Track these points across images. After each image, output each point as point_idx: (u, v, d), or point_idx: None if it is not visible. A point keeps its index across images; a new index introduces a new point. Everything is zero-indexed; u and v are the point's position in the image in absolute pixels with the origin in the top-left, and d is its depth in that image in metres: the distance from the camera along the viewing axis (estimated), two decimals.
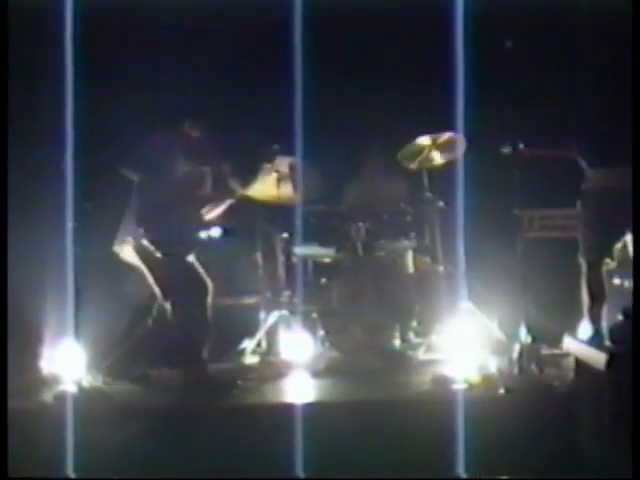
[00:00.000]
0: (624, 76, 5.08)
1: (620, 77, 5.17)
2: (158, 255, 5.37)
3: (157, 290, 5.42)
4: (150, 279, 5.43)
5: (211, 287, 5.46)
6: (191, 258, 5.48)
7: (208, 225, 5.69)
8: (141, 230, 5.38)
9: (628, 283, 5.71)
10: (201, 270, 5.48)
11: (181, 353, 5.40)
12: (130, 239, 5.44)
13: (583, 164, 5.46)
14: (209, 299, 5.42)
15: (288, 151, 5.81)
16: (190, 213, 5.50)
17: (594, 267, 5.45)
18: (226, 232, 5.89)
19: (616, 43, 5.26)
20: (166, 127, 5.57)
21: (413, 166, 6.40)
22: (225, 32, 6.48)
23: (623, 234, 5.36)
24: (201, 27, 6.37)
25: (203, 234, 5.67)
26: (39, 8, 5.29)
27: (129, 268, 5.60)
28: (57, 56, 5.05)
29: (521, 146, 5.46)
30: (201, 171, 5.58)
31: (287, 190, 6.27)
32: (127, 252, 5.48)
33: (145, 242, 5.38)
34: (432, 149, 6.32)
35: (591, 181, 5.46)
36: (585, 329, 5.39)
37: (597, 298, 5.45)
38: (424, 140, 6.30)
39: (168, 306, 5.38)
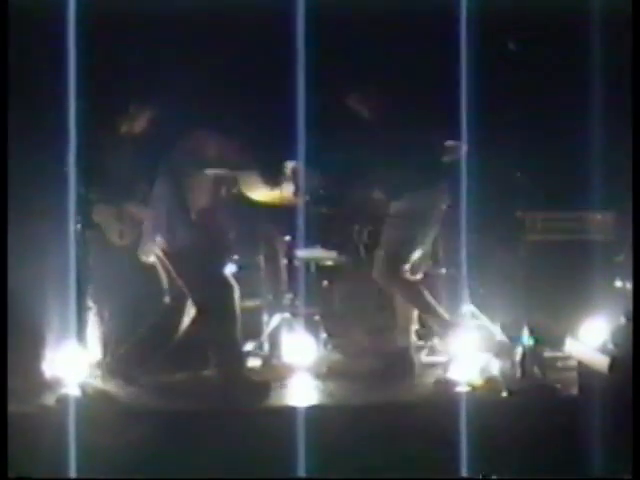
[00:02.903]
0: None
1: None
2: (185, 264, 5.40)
3: (188, 292, 5.44)
4: (179, 282, 5.44)
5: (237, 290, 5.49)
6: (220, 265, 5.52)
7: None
8: (163, 239, 5.42)
9: (630, 285, 5.70)
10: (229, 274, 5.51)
11: (217, 354, 5.44)
12: (155, 247, 5.47)
13: None
14: (237, 301, 5.45)
15: (290, 155, 5.81)
16: (215, 220, 5.53)
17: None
18: (240, 269, 5.96)
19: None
20: (169, 130, 5.57)
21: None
22: (227, 35, 6.48)
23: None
24: (204, 30, 6.37)
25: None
26: (39, 8, 5.29)
27: (147, 269, 5.62)
28: (59, 57, 5.05)
29: None
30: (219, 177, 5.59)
31: (290, 191, 6.26)
32: (153, 258, 5.51)
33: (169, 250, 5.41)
34: (434, 151, 6.30)
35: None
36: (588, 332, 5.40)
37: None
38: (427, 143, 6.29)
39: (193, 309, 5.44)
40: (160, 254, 5.46)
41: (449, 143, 5.80)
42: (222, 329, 5.39)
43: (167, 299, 5.56)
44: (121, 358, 5.50)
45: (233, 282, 5.48)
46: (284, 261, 6.34)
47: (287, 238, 6.34)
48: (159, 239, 5.42)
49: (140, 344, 5.52)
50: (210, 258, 5.43)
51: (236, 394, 5.21)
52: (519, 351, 5.31)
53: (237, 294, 5.45)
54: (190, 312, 5.51)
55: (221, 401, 5.16)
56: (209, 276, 5.41)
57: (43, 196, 5.59)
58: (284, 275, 6.34)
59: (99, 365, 5.53)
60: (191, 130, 5.50)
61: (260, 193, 5.92)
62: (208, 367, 5.54)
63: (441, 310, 5.88)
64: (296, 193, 6.12)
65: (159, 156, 5.54)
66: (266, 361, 6.05)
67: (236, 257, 5.98)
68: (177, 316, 5.52)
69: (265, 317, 6.24)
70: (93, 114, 5.36)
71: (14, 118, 5.00)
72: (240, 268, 5.94)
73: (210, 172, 5.43)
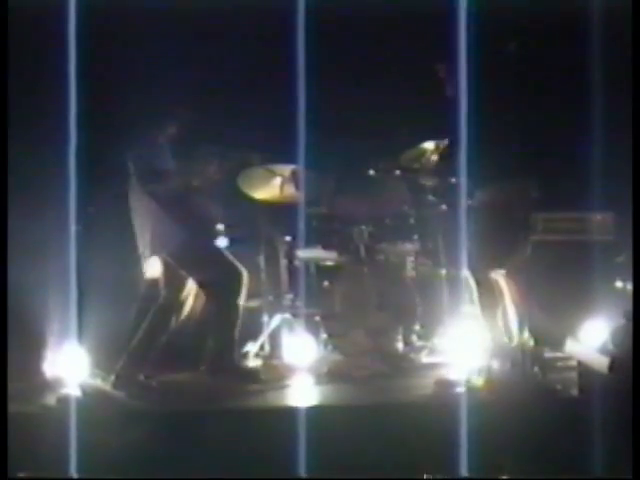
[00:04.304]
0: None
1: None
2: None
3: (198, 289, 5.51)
4: (188, 278, 5.51)
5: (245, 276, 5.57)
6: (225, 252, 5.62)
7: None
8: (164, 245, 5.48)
9: (630, 286, 5.70)
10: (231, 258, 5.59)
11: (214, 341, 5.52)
12: (155, 256, 5.53)
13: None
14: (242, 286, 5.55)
15: (290, 157, 5.82)
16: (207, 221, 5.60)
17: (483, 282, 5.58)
18: (232, 241, 5.97)
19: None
20: (169, 131, 5.57)
21: (416, 168, 6.40)
22: (227, 36, 6.48)
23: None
24: (204, 30, 6.37)
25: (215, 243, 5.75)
26: (40, 7, 5.30)
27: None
28: (60, 57, 5.05)
29: None
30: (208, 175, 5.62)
31: (290, 192, 6.27)
32: (156, 267, 5.56)
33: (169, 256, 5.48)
34: (435, 153, 6.31)
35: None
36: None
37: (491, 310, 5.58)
38: (428, 144, 6.30)
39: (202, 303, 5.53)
40: (167, 259, 5.50)
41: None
42: (224, 308, 5.47)
43: (161, 299, 5.59)
44: (128, 363, 5.51)
45: (241, 267, 5.56)
46: (284, 261, 6.34)
47: (288, 238, 6.34)
48: (163, 247, 5.48)
49: (138, 346, 5.54)
50: (209, 242, 5.56)
51: (227, 379, 5.31)
52: (519, 352, 5.32)
53: (245, 278, 5.54)
54: (184, 310, 5.57)
55: (212, 388, 5.20)
56: (212, 255, 5.53)
57: (43, 197, 5.60)
58: (284, 276, 6.35)
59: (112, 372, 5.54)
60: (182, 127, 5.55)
61: (260, 189, 5.95)
62: (202, 359, 5.59)
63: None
64: (297, 190, 6.15)
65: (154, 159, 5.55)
66: (266, 361, 6.05)
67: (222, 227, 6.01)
68: (170, 314, 5.57)
69: (265, 317, 6.24)
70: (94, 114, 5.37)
71: (14, 118, 5.01)
72: (232, 241, 5.97)
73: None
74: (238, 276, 5.55)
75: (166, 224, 5.47)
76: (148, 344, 5.52)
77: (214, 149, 5.68)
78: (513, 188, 5.62)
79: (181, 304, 5.60)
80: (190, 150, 5.63)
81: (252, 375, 5.56)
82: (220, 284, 5.49)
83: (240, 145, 5.91)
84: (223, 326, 5.55)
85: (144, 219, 5.54)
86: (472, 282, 5.69)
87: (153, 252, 5.55)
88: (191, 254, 5.50)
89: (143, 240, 5.60)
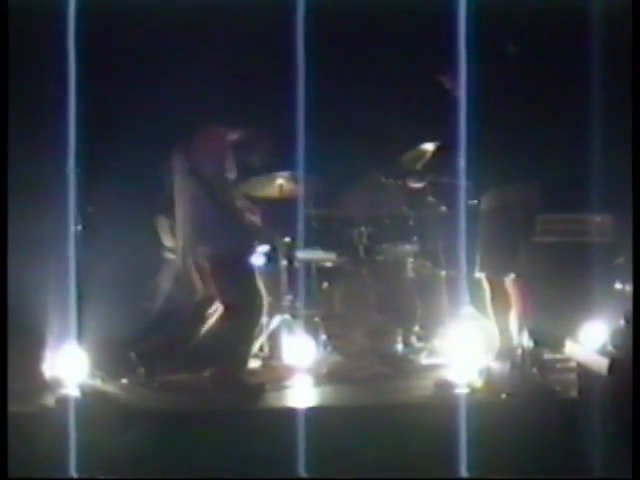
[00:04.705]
0: None
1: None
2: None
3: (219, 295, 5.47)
4: (214, 284, 5.46)
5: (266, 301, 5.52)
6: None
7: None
8: (202, 246, 5.44)
9: (629, 288, 5.70)
10: (260, 283, 5.50)
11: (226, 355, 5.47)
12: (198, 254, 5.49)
13: None
14: (264, 312, 5.50)
15: (289, 162, 5.83)
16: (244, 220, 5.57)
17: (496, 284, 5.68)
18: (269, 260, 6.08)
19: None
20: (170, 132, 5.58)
21: (416, 170, 6.41)
22: (227, 36, 6.48)
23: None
24: (203, 30, 6.38)
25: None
26: (40, 7, 5.30)
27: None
28: (60, 57, 5.05)
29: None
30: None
31: (290, 193, 6.29)
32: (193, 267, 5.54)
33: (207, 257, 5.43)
34: (435, 155, 6.32)
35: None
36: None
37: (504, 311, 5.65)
38: (427, 146, 6.31)
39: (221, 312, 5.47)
40: (202, 260, 5.46)
41: None
42: (244, 330, 5.44)
43: (197, 300, 5.60)
44: (144, 352, 5.52)
45: (263, 289, 5.49)
46: (284, 262, 6.34)
47: (287, 239, 6.35)
48: (202, 246, 5.44)
49: (165, 341, 5.56)
50: (247, 257, 5.51)
51: (230, 395, 5.24)
52: (519, 353, 5.32)
53: (265, 301, 5.48)
54: (213, 314, 5.56)
55: (216, 401, 5.18)
56: (245, 276, 5.44)
57: (43, 197, 5.60)
58: (284, 276, 6.35)
59: (121, 358, 5.55)
60: (199, 129, 5.49)
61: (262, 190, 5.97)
62: (211, 368, 5.55)
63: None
64: (296, 188, 6.16)
65: (166, 158, 5.54)
66: (266, 362, 6.06)
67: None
68: (203, 317, 5.57)
69: (265, 318, 6.23)
70: (94, 114, 5.37)
71: (14, 118, 5.01)
72: (269, 259, 6.03)
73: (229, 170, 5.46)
74: (261, 300, 5.44)
75: (217, 227, 5.40)
76: (175, 341, 5.55)
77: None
78: (512, 190, 5.64)
79: (202, 311, 5.59)
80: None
81: (257, 392, 5.40)
82: (244, 305, 5.40)
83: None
84: (238, 345, 5.47)
85: (192, 218, 5.49)
86: (485, 284, 5.73)
87: (192, 252, 5.51)
88: (228, 265, 5.42)
89: (184, 239, 5.56)
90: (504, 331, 5.71)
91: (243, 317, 5.41)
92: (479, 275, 5.78)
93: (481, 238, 5.76)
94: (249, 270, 5.48)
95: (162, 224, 6.18)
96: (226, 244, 5.39)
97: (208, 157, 5.39)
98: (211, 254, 5.41)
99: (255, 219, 5.69)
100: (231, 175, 5.46)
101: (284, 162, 6.07)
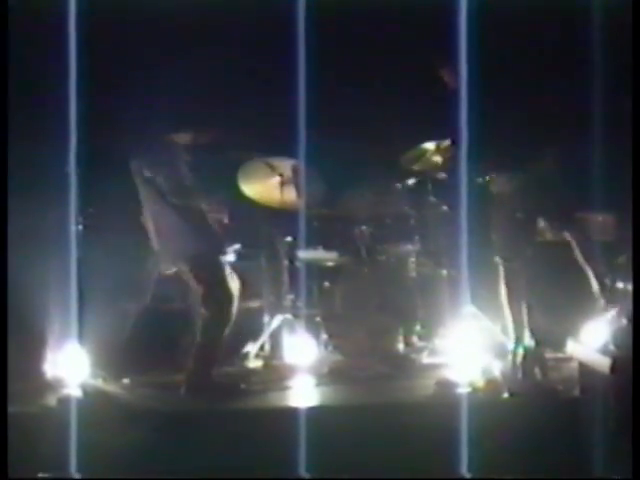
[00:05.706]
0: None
1: None
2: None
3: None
4: (195, 287, 5.49)
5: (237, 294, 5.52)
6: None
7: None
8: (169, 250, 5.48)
9: (631, 287, 5.69)
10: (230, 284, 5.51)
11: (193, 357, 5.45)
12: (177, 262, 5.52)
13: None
14: (233, 312, 5.48)
15: (290, 153, 5.82)
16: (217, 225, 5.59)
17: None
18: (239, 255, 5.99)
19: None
20: (170, 132, 5.57)
21: (416, 169, 6.40)
22: (228, 34, 6.49)
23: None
24: (204, 29, 6.38)
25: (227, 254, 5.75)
26: (40, 7, 5.30)
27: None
28: (60, 57, 5.05)
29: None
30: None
31: (290, 194, 6.27)
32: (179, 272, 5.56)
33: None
34: (435, 153, 6.32)
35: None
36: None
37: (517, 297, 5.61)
38: (428, 144, 6.30)
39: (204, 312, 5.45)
40: (174, 263, 5.51)
41: None
42: (213, 330, 5.42)
43: (177, 304, 5.61)
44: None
45: (234, 289, 5.50)
46: (285, 262, 6.34)
47: (288, 239, 6.34)
48: (169, 250, 5.47)
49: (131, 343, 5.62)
50: (213, 258, 5.49)
51: (202, 395, 5.26)
52: (520, 352, 5.32)
53: (235, 301, 5.49)
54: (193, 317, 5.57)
55: (188, 402, 5.20)
56: (213, 277, 5.45)
57: (44, 197, 5.60)
58: (285, 276, 6.34)
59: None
60: (149, 137, 5.48)
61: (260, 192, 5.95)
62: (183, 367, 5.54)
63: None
64: (298, 195, 6.15)
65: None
66: (267, 362, 6.05)
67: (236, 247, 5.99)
68: (185, 319, 5.64)
69: (266, 318, 6.24)
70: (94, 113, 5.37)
71: (14, 117, 5.01)
72: (239, 257, 5.97)
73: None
74: (230, 301, 5.44)
75: (185, 234, 5.43)
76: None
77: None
78: (514, 185, 5.64)
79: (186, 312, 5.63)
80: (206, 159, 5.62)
81: (232, 390, 5.42)
82: (212, 305, 5.41)
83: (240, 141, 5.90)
84: (207, 345, 5.45)
85: (163, 226, 5.49)
86: (500, 269, 5.72)
87: (170, 258, 5.55)
88: (203, 267, 5.45)
89: (161, 245, 5.56)
90: (517, 319, 5.68)
91: (212, 317, 5.40)
92: (496, 259, 5.75)
93: (495, 221, 5.75)
94: (216, 271, 5.47)
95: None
96: (190, 247, 5.42)
97: (156, 165, 5.41)
98: (177, 257, 5.46)
99: (222, 219, 5.67)
100: (186, 180, 5.43)
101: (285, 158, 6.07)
